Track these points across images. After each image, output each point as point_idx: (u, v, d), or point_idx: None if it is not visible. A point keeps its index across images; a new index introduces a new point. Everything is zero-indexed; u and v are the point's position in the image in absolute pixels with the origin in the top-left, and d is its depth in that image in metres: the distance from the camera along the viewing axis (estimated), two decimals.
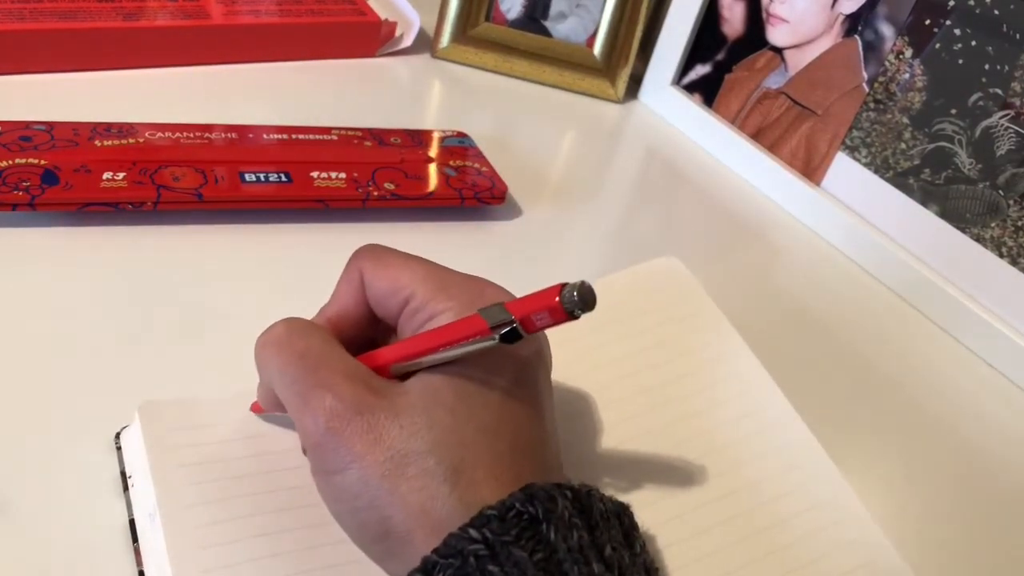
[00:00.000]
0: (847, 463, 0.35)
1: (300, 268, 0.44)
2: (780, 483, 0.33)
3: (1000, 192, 0.50)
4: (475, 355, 0.26)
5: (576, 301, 0.24)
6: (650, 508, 0.31)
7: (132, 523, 0.30)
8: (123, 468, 0.31)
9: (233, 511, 0.29)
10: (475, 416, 0.26)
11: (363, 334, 0.30)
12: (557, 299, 0.24)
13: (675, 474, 0.33)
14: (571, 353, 0.34)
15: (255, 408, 0.32)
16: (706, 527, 0.31)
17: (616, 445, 0.33)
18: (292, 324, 0.28)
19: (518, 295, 0.27)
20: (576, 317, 0.24)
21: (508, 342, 0.25)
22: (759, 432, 0.35)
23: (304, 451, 0.29)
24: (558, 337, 0.30)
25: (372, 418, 0.25)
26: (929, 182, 0.53)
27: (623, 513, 0.27)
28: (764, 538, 0.32)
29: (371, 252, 0.30)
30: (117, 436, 0.32)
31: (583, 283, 0.24)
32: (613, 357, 0.36)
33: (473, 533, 0.23)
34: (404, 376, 0.27)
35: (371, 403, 0.26)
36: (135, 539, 0.29)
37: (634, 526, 0.27)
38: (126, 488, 0.31)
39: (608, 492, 0.28)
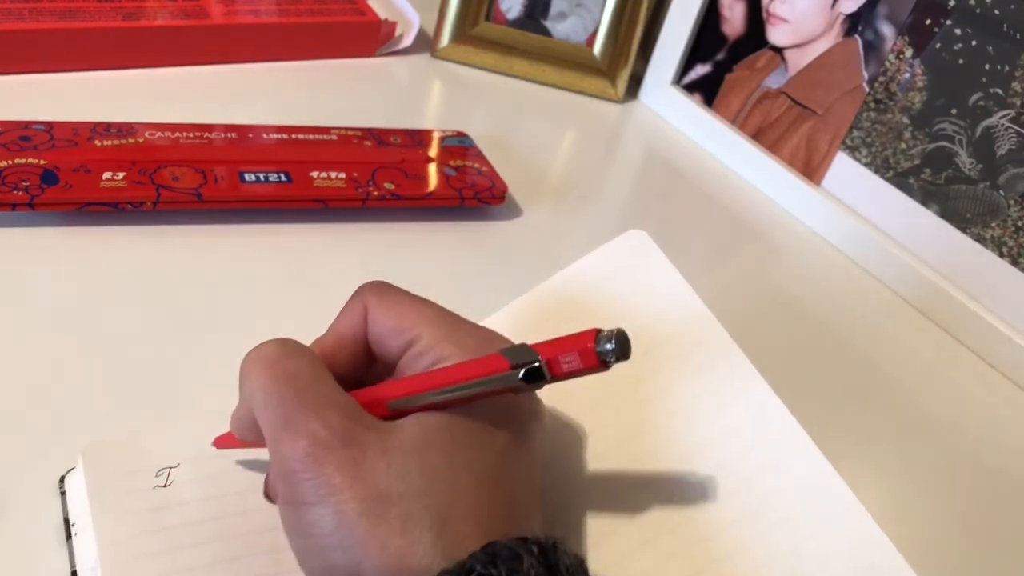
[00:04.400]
0: (846, 463, 0.35)
1: (300, 268, 0.44)
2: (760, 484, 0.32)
3: (1000, 192, 0.49)
4: (479, 402, 0.25)
5: (613, 349, 0.22)
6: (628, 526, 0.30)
7: (74, 575, 0.28)
8: (66, 515, 0.29)
9: (181, 563, 0.27)
10: (472, 466, 0.24)
11: (354, 372, 0.29)
12: (592, 344, 0.22)
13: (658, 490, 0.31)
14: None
15: (218, 443, 0.30)
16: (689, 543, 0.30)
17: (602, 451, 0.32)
18: (285, 344, 0.27)
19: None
20: (608, 366, 0.22)
21: (530, 382, 0.23)
22: (743, 425, 0.33)
23: (265, 491, 0.28)
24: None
25: (359, 452, 0.24)
26: (929, 182, 0.53)
27: (580, 568, 0.25)
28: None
29: (377, 289, 0.29)
30: (61, 480, 0.30)
31: (620, 330, 0.22)
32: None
33: None
34: (397, 416, 0.26)
35: (360, 436, 0.24)
36: None
37: None
38: (69, 537, 0.28)
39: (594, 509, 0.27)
